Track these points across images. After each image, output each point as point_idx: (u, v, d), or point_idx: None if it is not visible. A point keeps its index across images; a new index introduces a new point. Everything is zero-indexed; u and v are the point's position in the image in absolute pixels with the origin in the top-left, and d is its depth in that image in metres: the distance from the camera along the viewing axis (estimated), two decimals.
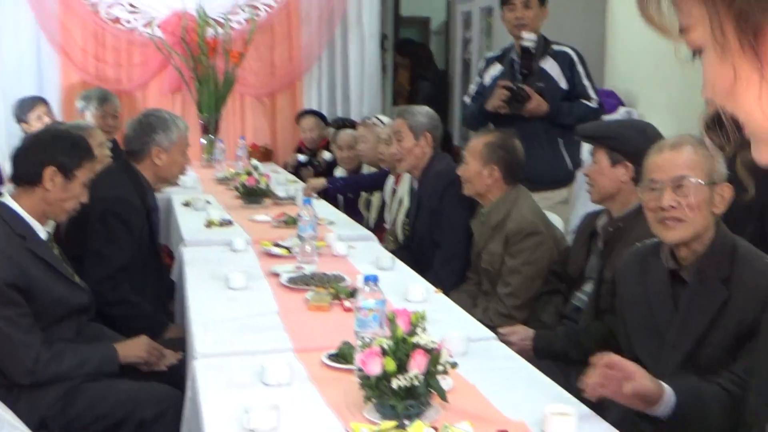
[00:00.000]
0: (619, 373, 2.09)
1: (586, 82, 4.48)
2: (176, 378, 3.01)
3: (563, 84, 4.45)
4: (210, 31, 7.17)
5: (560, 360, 2.91)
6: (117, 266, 3.62)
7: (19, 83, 6.96)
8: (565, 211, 4.57)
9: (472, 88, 4.87)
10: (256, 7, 7.50)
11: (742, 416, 2.18)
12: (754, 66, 0.82)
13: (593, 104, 4.42)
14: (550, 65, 4.48)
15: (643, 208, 2.69)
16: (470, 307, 3.23)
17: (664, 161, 2.46)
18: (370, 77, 7.77)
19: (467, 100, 4.90)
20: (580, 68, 4.48)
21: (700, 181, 2.39)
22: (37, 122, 5.71)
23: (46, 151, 2.93)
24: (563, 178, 4.56)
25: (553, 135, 4.42)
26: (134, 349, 3.08)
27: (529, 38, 4.38)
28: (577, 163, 4.62)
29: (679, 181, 2.40)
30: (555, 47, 4.52)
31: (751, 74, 0.82)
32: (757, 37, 0.80)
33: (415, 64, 9.03)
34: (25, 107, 5.97)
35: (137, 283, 3.72)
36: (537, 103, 4.32)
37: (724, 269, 2.39)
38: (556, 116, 4.39)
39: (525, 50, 4.43)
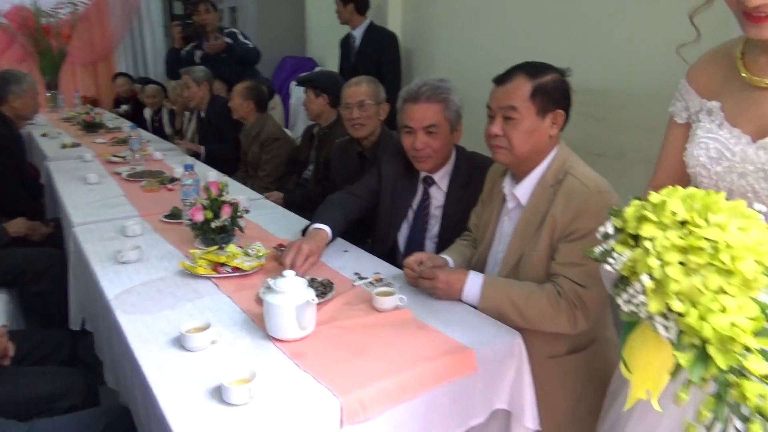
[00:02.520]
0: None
1: (245, 40, 4.74)
2: (56, 244, 2.69)
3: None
4: (44, 20, 6.10)
5: (298, 207, 2.89)
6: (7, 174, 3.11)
7: None
8: (276, 113, 4.52)
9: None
10: (75, 4, 6.40)
11: None
12: None
13: (251, 46, 4.70)
14: (226, 38, 4.67)
15: (341, 119, 2.74)
16: (243, 183, 3.14)
17: (352, 92, 2.45)
18: (159, 50, 6.97)
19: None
20: (240, 35, 4.76)
21: (371, 101, 2.44)
22: None
23: None
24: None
25: (246, 76, 4.25)
26: (16, 226, 2.67)
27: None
28: (270, 88, 4.55)
29: (361, 102, 2.43)
30: (226, 30, 4.79)
31: None
32: None
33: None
34: None
35: (18, 186, 3.22)
36: (219, 44, 4.62)
37: (383, 149, 2.48)
38: (234, 51, 4.61)
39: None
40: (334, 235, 1.85)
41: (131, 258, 1.78)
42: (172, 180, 2.78)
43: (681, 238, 0.72)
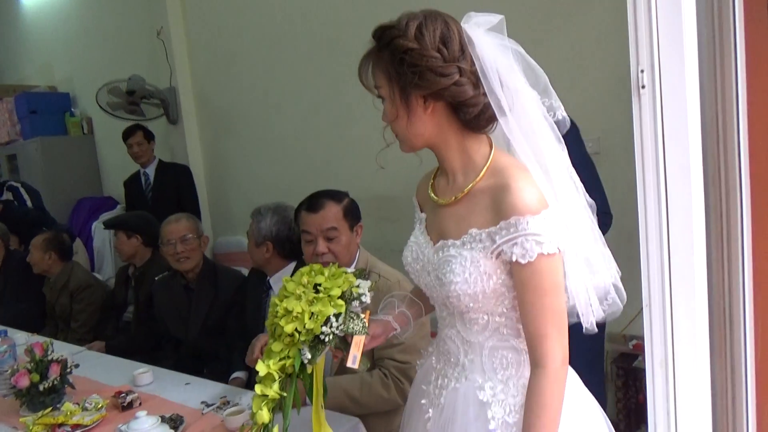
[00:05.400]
0: None
1: (26, 195, 4.37)
2: None
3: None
4: None
5: (123, 353, 2.79)
6: None
7: None
8: (80, 257, 4.33)
9: None
10: None
11: None
12: (404, 110, 1.06)
13: (30, 207, 4.33)
14: (6, 193, 4.33)
15: (156, 256, 2.84)
16: (55, 336, 2.98)
17: (173, 228, 2.59)
18: None
19: None
20: (21, 189, 4.39)
21: (192, 235, 2.59)
22: None
23: None
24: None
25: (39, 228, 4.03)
26: None
27: None
28: (69, 233, 4.18)
29: (184, 237, 2.57)
30: (7, 183, 4.39)
31: (403, 113, 1.06)
32: (406, 97, 1.04)
33: None
34: None
35: None
36: None
37: (211, 279, 2.62)
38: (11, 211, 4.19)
39: None
40: None
41: None
42: None
43: (279, 301, 1.16)
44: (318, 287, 1.14)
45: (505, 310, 1.10)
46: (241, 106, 4.04)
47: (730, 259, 1.66)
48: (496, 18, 1.04)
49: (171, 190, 4.03)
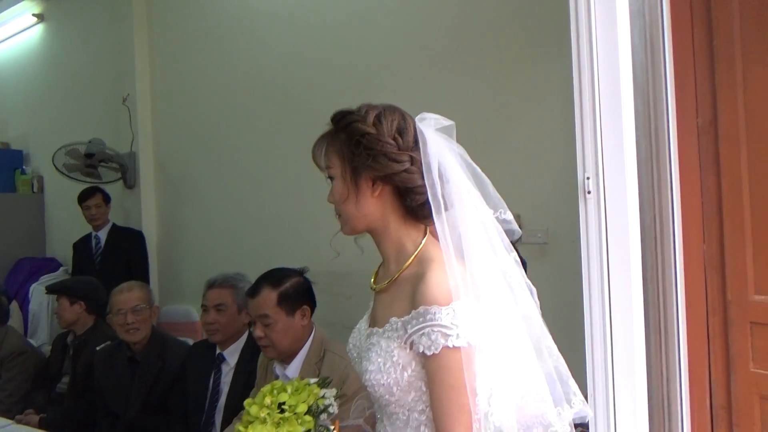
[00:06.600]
0: None
1: None
2: None
3: None
4: None
5: (58, 428, 2.64)
6: None
7: None
8: (15, 321, 3.95)
9: None
10: None
11: None
12: (353, 190, 1.06)
13: None
14: None
15: (99, 325, 2.75)
16: None
17: (125, 298, 2.53)
18: None
19: None
20: None
21: (144, 305, 2.54)
22: None
23: None
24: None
25: None
26: None
27: None
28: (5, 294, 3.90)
29: (135, 307, 2.51)
30: None
31: (352, 193, 1.06)
32: (357, 178, 1.05)
33: None
34: None
35: None
36: None
37: (159, 350, 2.54)
38: None
39: None
40: None
41: None
42: None
43: (243, 428, 1.11)
44: (282, 406, 1.11)
45: (424, 407, 1.04)
46: (201, 176, 4.06)
47: (668, 349, 1.76)
48: (447, 122, 1.08)
49: (121, 254, 3.93)
